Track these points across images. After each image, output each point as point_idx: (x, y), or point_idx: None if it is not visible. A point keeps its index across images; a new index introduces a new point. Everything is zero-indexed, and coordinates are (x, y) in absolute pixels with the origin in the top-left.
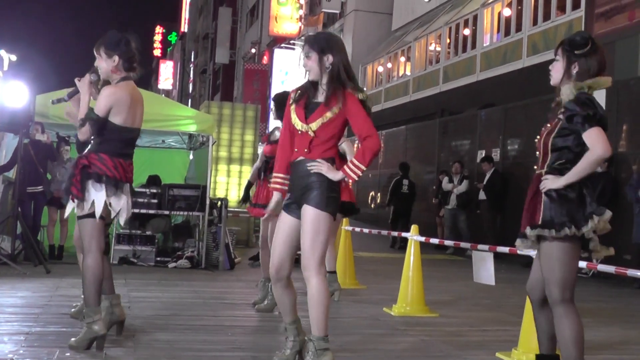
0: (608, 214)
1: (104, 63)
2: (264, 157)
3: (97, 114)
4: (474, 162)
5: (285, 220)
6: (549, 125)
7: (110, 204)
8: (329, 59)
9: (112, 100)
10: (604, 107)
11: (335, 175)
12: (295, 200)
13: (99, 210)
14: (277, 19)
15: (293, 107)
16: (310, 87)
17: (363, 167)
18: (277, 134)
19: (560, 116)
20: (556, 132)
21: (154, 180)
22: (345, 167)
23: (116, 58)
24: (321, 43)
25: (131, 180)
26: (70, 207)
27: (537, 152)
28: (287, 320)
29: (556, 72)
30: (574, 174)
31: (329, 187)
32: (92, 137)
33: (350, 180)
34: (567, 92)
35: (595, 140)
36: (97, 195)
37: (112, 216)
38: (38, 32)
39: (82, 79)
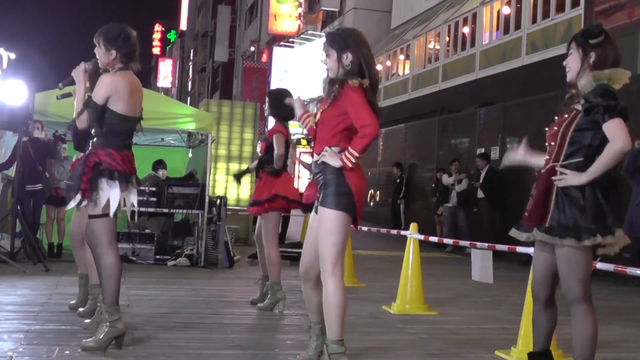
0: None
1: (102, 55)
2: (259, 155)
3: (95, 102)
4: (473, 160)
5: (313, 223)
6: (565, 115)
7: (124, 199)
8: (348, 57)
9: (111, 89)
10: None
11: (335, 162)
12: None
13: (114, 208)
14: (276, 17)
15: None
16: (328, 83)
17: (356, 154)
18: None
19: (579, 107)
20: (575, 124)
21: (159, 164)
22: (342, 154)
23: (114, 52)
24: (339, 41)
25: (135, 170)
26: (73, 204)
27: (549, 143)
28: (313, 319)
29: (573, 64)
30: (596, 169)
31: (341, 184)
32: (93, 130)
33: (347, 167)
34: (585, 83)
35: (616, 132)
36: (112, 193)
37: (124, 209)
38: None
39: (76, 68)
